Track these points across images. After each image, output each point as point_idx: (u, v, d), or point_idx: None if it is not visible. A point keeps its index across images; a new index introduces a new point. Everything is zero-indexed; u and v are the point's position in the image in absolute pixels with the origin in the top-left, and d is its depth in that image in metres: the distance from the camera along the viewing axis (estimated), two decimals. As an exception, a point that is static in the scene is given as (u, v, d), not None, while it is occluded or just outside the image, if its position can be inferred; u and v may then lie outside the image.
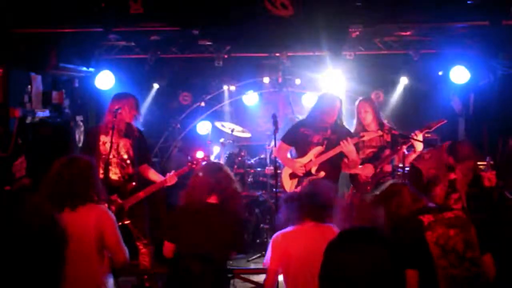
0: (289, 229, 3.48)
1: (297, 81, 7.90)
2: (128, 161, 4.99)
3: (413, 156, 5.05)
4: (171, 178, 4.97)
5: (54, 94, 6.10)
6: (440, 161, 5.00)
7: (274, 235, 3.56)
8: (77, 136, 6.74)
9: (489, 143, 6.75)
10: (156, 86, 7.83)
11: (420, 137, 5.01)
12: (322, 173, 5.10)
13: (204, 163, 4.95)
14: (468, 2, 4.63)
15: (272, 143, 5.40)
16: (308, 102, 7.63)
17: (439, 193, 4.94)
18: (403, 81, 7.63)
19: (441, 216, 3.06)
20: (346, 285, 1.39)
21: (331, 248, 1.49)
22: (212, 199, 3.71)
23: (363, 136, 5.04)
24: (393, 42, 6.69)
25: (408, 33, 6.13)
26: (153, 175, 5.14)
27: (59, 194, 3.08)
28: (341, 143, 4.92)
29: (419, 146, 5.05)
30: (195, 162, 5.02)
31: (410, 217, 3.08)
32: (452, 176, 4.91)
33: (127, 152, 4.98)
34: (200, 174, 3.82)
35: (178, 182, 5.07)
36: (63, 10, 4.80)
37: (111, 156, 4.85)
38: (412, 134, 5.03)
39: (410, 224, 3.05)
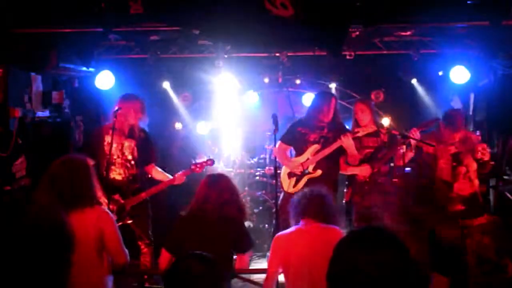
0: (291, 229, 3.47)
1: (297, 81, 7.89)
2: (133, 162, 5.05)
3: (410, 154, 5.06)
4: (179, 177, 5.05)
5: (54, 94, 6.10)
6: (438, 137, 5.01)
7: (276, 236, 3.55)
8: (77, 136, 6.74)
9: (489, 143, 6.74)
10: (165, 85, 7.66)
11: (417, 135, 5.01)
12: (319, 171, 5.11)
13: (208, 168, 5.14)
14: (468, 2, 4.61)
15: (272, 143, 5.41)
16: (308, 102, 7.62)
17: (445, 167, 4.93)
18: (412, 82, 7.59)
19: (476, 222, 3.02)
20: (357, 284, 1.38)
21: (341, 247, 1.48)
22: (209, 207, 3.64)
23: (358, 132, 5.05)
24: (393, 42, 6.68)
25: (408, 33, 6.12)
26: (160, 174, 5.20)
27: (55, 195, 3.03)
28: (342, 137, 4.93)
29: None
30: (198, 165, 5.10)
31: (451, 221, 3.04)
32: (452, 149, 4.92)
33: (132, 153, 5.04)
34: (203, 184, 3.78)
35: (178, 184, 5.14)
36: (63, 10, 4.79)
37: (115, 157, 4.92)
38: (410, 132, 5.03)
39: (451, 230, 3.01)
